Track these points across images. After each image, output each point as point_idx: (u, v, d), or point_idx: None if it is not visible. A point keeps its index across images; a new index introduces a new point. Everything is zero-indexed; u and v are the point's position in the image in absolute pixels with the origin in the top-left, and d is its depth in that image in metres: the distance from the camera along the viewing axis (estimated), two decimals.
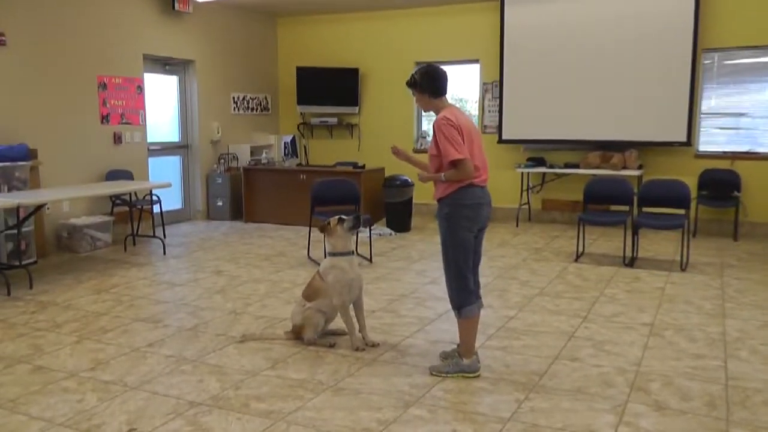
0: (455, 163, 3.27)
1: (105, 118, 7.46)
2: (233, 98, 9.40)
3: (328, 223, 3.90)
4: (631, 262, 6.20)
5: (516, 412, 3.07)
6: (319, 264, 6.16)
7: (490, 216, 3.52)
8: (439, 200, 3.40)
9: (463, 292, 3.42)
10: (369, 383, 3.41)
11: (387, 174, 8.62)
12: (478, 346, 3.66)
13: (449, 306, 4.72)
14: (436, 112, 3.43)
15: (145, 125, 8.00)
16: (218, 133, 9.05)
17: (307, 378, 3.48)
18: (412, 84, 3.48)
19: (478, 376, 3.49)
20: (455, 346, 3.70)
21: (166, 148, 8.67)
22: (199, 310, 4.74)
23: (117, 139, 7.60)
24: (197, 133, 8.86)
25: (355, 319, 3.93)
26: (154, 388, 3.36)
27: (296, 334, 4.01)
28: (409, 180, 8.07)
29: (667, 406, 3.13)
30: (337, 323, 4.09)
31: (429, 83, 3.42)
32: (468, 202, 3.34)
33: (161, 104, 8.59)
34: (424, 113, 9.63)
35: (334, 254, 3.88)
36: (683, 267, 6.00)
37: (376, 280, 5.56)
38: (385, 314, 4.62)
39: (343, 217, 3.90)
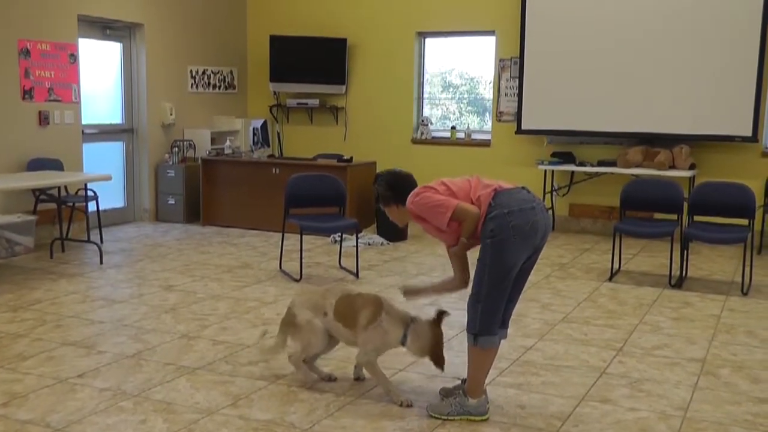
0: (454, 217, 3.38)
1: (27, 93, 7.44)
2: (191, 72, 9.40)
3: (436, 352, 3.64)
4: (678, 283, 6.23)
5: None
6: (292, 277, 6.20)
7: (548, 233, 3.47)
8: (482, 225, 3.37)
9: (488, 319, 3.41)
10: (352, 426, 3.41)
11: (379, 169, 8.63)
12: (487, 382, 3.66)
13: (452, 333, 4.77)
14: None
15: (79, 103, 7.98)
16: (171, 114, 9.05)
17: (275, 419, 3.47)
18: (377, 199, 3.77)
19: (487, 419, 3.49)
20: (459, 382, 3.71)
21: (105, 132, 8.65)
22: (143, 333, 4.73)
23: (43, 119, 7.59)
24: (145, 114, 8.85)
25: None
26: (84, 429, 3.34)
27: (287, 325, 3.93)
28: None
29: None
30: (331, 361, 4.09)
31: (392, 192, 3.69)
32: (514, 207, 3.32)
33: (100, 77, 8.57)
34: (425, 96, 9.67)
35: (404, 335, 3.67)
36: (745, 290, 6.03)
37: None
38: None
39: (439, 359, 3.63)
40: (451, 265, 3.65)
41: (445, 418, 3.49)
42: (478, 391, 3.50)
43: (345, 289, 4.04)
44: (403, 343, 3.67)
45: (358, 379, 3.94)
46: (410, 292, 3.86)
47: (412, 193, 3.54)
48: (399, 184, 3.69)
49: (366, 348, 3.74)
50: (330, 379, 3.96)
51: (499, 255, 3.33)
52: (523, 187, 3.47)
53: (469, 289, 3.48)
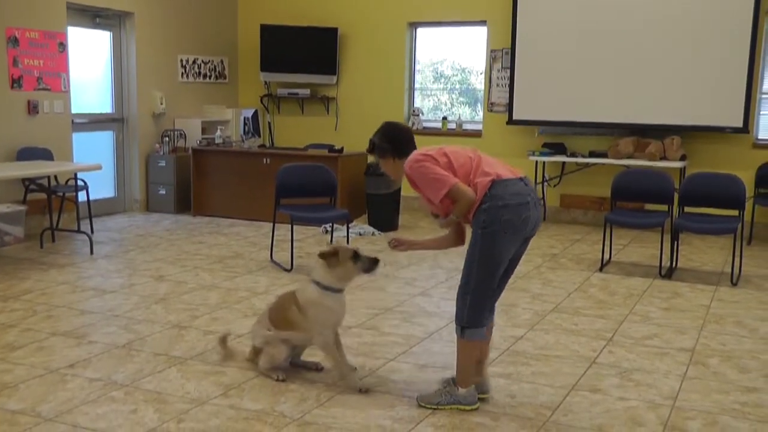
0: (449, 196, 3.37)
1: (16, 82, 7.41)
2: (181, 61, 9.37)
3: (336, 253, 3.74)
4: (669, 274, 6.26)
5: None
6: (283, 267, 6.21)
7: (539, 225, 3.48)
8: (475, 214, 3.38)
9: (475, 312, 3.43)
10: (342, 416, 3.43)
11: (370, 160, 8.64)
12: None
13: (442, 323, 4.79)
14: None
15: (68, 92, 7.95)
16: (162, 104, 9.02)
17: (266, 409, 3.49)
18: (371, 149, 3.69)
19: (477, 408, 3.52)
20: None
21: (95, 122, 8.62)
22: (133, 324, 4.73)
23: (32, 108, 7.56)
24: (135, 103, 8.82)
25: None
26: (75, 419, 3.35)
27: (255, 356, 4.01)
28: None
29: None
30: (311, 353, 4.11)
31: (389, 144, 3.62)
32: (509, 201, 3.32)
33: (90, 66, 8.54)
34: (416, 87, 9.66)
35: (324, 287, 3.76)
36: (734, 281, 6.07)
37: (354, 290, 5.56)
38: (364, 332, 4.64)
39: (359, 252, 3.74)
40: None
41: (435, 407, 3.51)
42: (467, 381, 3.52)
43: (268, 303, 4.13)
44: (337, 290, 3.75)
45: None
46: (398, 242, 3.76)
47: (411, 157, 3.48)
48: (397, 137, 3.63)
49: (316, 329, 3.78)
50: (317, 368, 3.99)
51: (489, 247, 3.34)
52: (521, 178, 3.45)
53: (458, 279, 3.49)
